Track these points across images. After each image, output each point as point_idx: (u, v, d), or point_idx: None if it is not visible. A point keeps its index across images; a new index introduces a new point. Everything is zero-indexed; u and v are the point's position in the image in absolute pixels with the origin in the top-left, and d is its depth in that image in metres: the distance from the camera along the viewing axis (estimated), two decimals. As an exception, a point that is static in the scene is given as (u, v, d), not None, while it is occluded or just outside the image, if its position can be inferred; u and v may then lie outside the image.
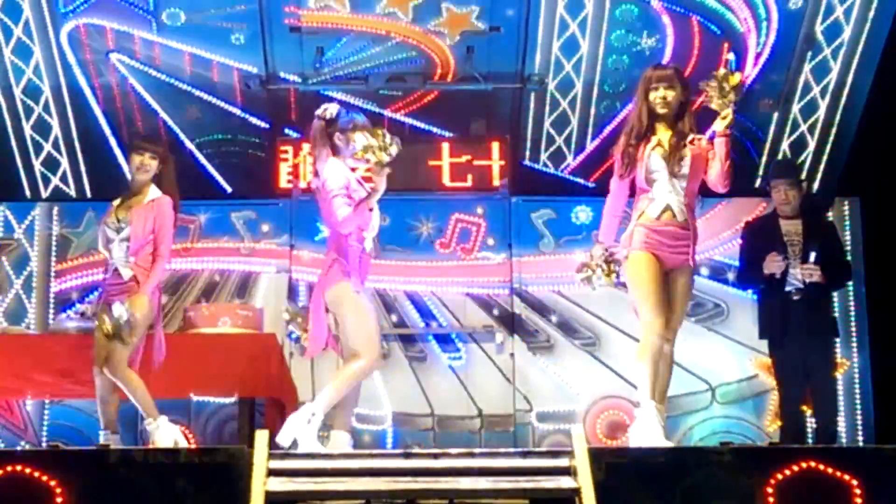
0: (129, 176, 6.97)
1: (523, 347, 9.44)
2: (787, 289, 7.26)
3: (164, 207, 6.74)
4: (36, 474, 5.26)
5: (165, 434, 6.56)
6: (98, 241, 6.94)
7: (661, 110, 6.11)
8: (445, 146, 9.82)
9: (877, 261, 9.51)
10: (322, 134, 6.19)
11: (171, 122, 10.16)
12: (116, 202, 6.87)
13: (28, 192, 10.04)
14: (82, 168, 10.09)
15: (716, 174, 6.07)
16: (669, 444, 5.89)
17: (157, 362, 6.74)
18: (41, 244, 9.60)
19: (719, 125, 6.04)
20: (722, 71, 6.04)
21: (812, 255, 7.23)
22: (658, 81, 6.14)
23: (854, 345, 9.40)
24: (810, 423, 7.75)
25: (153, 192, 6.78)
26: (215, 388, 8.20)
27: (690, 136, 6.11)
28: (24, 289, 9.52)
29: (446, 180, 9.74)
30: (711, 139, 6.11)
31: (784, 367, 7.38)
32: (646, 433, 5.85)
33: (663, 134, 6.11)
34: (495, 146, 9.81)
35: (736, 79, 6.04)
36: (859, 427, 9.27)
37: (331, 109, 6.22)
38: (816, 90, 9.88)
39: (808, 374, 7.33)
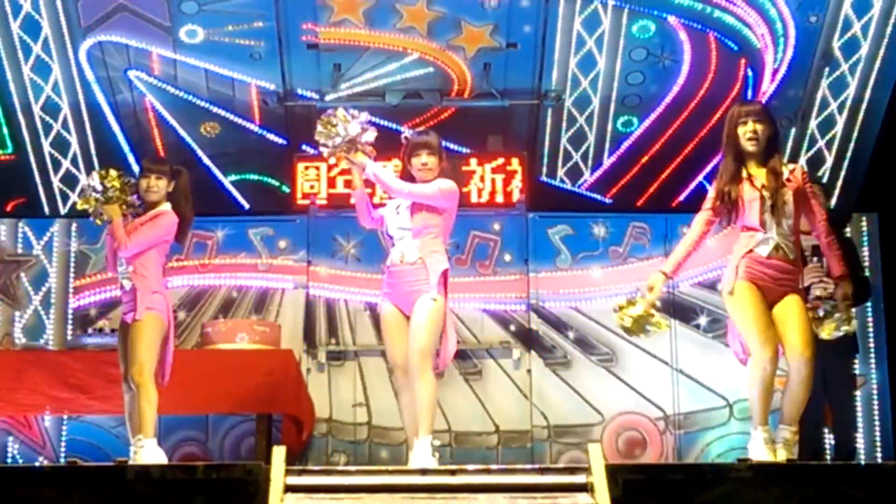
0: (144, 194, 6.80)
1: (540, 363, 9.40)
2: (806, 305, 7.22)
3: (159, 217, 6.61)
4: (52, 494, 5.28)
5: (149, 457, 6.25)
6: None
7: (751, 147, 5.88)
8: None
9: (895, 276, 9.47)
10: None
11: (188, 139, 10.22)
12: (130, 227, 6.67)
13: (47, 209, 10.09)
14: (101, 185, 10.13)
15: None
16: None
17: (164, 379, 6.57)
18: (60, 260, 9.61)
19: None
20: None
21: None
22: (746, 115, 5.91)
23: (872, 361, 9.34)
24: (828, 440, 7.72)
25: (162, 208, 6.69)
26: (233, 404, 8.20)
27: (786, 173, 5.90)
28: (42, 305, 9.54)
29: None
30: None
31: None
32: (758, 457, 5.80)
33: (756, 171, 5.89)
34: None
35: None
36: (878, 444, 9.22)
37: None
38: (834, 106, 9.85)
39: (827, 390, 7.29)
